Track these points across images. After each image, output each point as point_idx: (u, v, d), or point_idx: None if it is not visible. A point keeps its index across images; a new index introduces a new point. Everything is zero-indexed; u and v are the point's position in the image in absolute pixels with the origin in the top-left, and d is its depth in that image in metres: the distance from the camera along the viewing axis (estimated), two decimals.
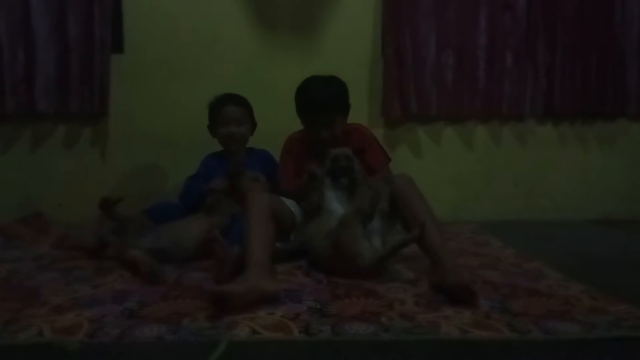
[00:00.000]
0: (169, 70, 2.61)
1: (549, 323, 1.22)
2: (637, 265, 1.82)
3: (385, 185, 1.64)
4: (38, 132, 2.60)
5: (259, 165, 2.06)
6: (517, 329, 1.19)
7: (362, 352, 1.09)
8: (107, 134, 2.63)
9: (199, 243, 1.73)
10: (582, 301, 1.38)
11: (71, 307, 1.33)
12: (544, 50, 2.66)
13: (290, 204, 1.85)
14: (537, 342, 1.14)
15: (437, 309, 1.32)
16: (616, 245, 2.15)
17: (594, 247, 2.10)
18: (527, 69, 2.67)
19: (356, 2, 2.66)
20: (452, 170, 2.75)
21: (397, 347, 1.11)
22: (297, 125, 2.07)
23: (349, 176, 1.75)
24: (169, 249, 1.72)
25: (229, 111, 2.09)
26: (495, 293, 1.45)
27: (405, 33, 2.60)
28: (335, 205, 1.71)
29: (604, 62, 2.68)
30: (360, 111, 2.62)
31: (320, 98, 1.90)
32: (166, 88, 2.61)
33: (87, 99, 2.49)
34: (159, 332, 1.17)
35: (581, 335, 1.16)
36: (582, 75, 2.68)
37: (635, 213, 2.75)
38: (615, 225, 2.58)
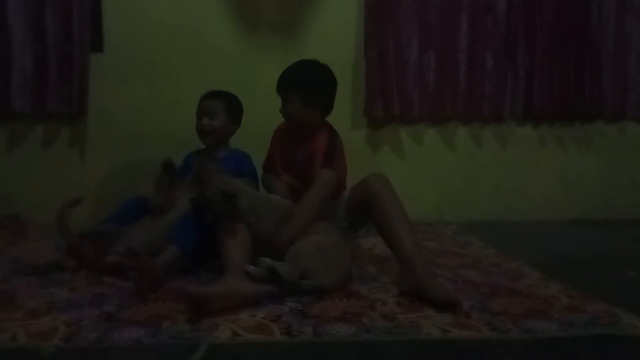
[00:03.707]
0: (150, 70, 2.57)
1: (527, 322, 1.24)
2: (614, 265, 1.86)
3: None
4: (14, 132, 2.53)
5: (233, 165, 2.02)
6: (496, 328, 1.21)
7: (343, 353, 1.10)
8: (87, 134, 2.58)
9: (163, 237, 1.71)
10: (560, 300, 1.40)
11: (47, 311, 1.30)
12: (523, 53, 2.70)
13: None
14: (516, 341, 1.15)
15: (418, 309, 1.33)
16: (594, 245, 2.19)
17: (572, 247, 2.14)
18: (507, 72, 2.71)
19: (339, 3, 2.66)
20: (434, 171, 2.77)
21: (378, 347, 1.12)
22: (278, 124, 2.06)
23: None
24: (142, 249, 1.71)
25: (203, 105, 2.03)
26: (476, 292, 1.47)
27: (388, 35, 2.61)
28: None
29: (582, 65, 2.73)
30: (343, 112, 2.62)
31: (284, 72, 1.86)
32: (147, 87, 2.57)
33: (66, 98, 2.43)
34: (138, 336, 1.15)
35: (559, 334, 1.18)
36: (561, 78, 2.73)
37: (612, 213, 2.80)
38: (593, 226, 2.63)
